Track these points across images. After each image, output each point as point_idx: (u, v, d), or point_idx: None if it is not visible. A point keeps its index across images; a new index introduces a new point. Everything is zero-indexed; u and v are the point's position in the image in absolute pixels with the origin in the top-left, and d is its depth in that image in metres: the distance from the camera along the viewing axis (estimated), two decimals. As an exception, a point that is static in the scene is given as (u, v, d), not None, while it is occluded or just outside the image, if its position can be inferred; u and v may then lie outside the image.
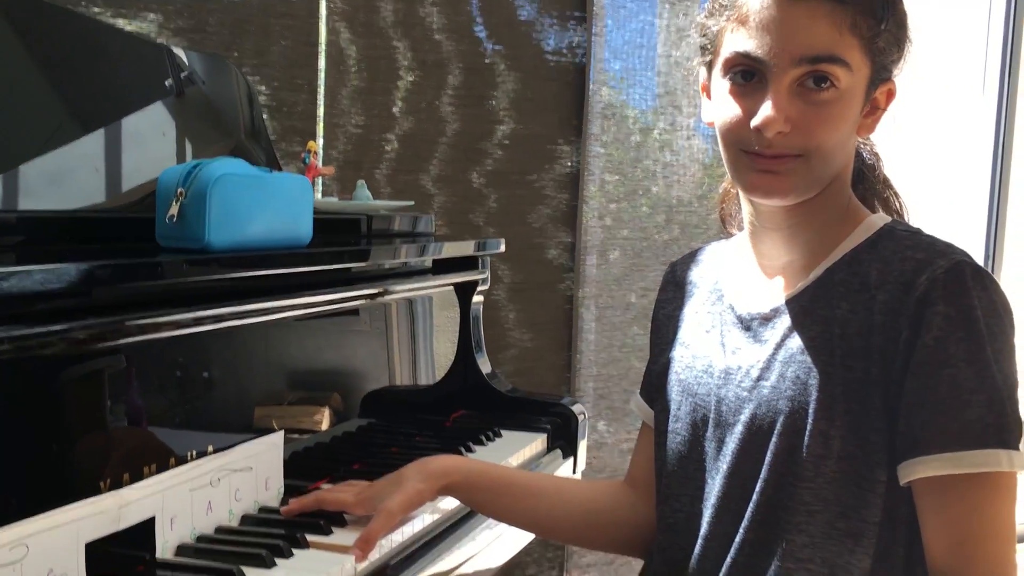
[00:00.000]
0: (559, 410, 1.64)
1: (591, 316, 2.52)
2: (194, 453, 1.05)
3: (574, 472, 1.64)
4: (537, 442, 1.56)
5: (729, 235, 1.22)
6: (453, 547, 1.20)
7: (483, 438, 1.51)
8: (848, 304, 1.00)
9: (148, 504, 0.97)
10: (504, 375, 2.08)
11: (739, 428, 1.03)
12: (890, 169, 1.16)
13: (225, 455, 1.08)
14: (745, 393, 1.03)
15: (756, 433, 1.01)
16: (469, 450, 1.46)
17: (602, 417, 2.57)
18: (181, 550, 1.01)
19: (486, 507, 1.20)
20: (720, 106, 1.02)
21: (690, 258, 1.24)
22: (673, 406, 1.13)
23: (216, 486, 1.07)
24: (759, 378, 1.02)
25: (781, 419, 0.99)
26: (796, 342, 1.01)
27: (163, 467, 1.00)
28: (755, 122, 0.97)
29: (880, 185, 1.14)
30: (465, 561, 1.24)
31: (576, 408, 1.64)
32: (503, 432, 1.57)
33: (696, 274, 1.20)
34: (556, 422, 1.63)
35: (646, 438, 1.22)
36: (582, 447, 1.66)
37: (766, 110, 0.96)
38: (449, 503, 1.24)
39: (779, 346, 1.02)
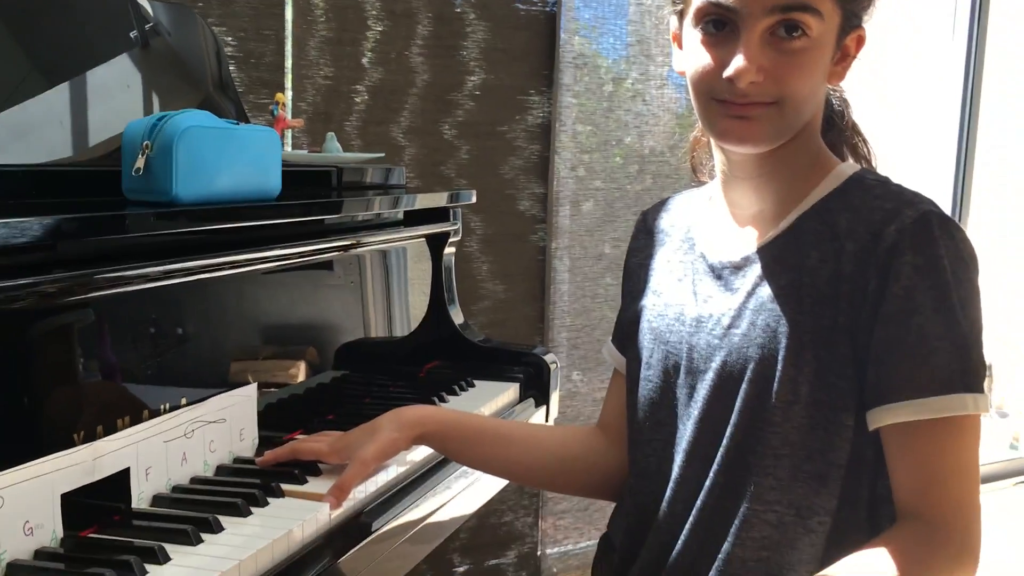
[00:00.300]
0: (531, 360, 1.66)
1: (564, 267, 2.53)
2: (167, 406, 1.06)
3: (547, 421, 1.67)
4: (510, 391, 1.58)
5: (700, 183, 1.23)
6: (427, 494, 1.22)
7: (456, 388, 1.53)
8: (818, 253, 1.01)
9: (122, 456, 0.98)
10: (478, 326, 2.09)
11: (710, 375, 1.05)
12: (859, 115, 1.17)
13: (198, 407, 1.09)
14: (716, 341, 1.05)
15: (726, 380, 1.03)
16: (442, 400, 1.47)
17: (576, 367, 2.59)
18: (157, 500, 1.02)
19: (460, 455, 1.22)
20: (691, 55, 1.02)
21: (661, 206, 1.24)
22: (645, 354, 1.14)
23: (190, 437, 1.08)
24: (730, 326, 1.04)
25: (751, 366, 1.01)
26: (766, 290, 1.03)
27: (137, 420, 1.01)
28: (727, 73, 0.97)
29: (849, 132, 1.15)
30: (439, 508, 1.26)
31: (548, 357, 1.66)
32: (476, 382, 1.59)
33: (667, 222, 1.21)
34: (529, 371, 1.64)
35: (617, 385, 1.23)
36: (554, 396, 1.68)
37: (738, 60, 0.96)
38: (421, 452, 1.26)
39: (750, 294, 1.04)
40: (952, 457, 0.97)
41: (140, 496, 1.00)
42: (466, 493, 1.34)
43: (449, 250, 1.71)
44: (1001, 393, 4.18)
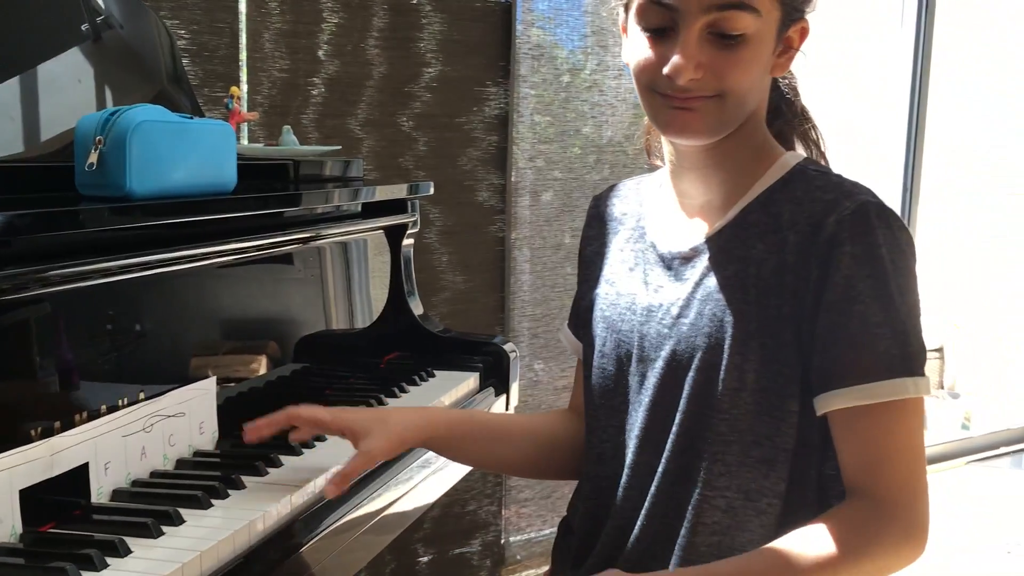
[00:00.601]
0: (491, 349, 1.67)
1: (524, 257, 2.55)
2: (125, 401, 1.06)
3: (507, 409, 1.68)
4: (470, 381, 1.60)
5: (654, 167, 1.24)
6: (388, 484, 1.23)
7: (416, 378, 1.54)
8: (763, 244, 1.03)
9: (81, 451, 0.98)
10: (439, 317, 2.10)
11: (660, 363, 1.07)
12: (809, 105, 1.19)
13: (157, 402, 1.09)
14: (665, 330, 1.07)
15: (676, 368, 1.05)
16: (403, 390, 1.48)
17: (537, 356, 2.61)
18: (117, 494, 1.02)
19: (459, 454, 1.23)
20: (634, 49, 1.04)
21: (612, 192, 1.26)
22: (598, 342, 1.16)
23: (149, 432, 1.08)
24: (679, 315, 1.06)
25: (699, 355, 1.03)
26: (713, 280, 1.05)
27: (95, 416, 1.01)
28: (666, 70, 0.99)
29: (798, 118, 1.17)
30: (400, 497, 1.27)
31: (508, 346, 1.68)
32: (436, 372, 1.60)
33: (619, 209, 1.22)
34: (488, 361, 1.66)
35: (581, 370, 1.25)
36: (515, 386, 1.69)
37: (676, 58, 0.98)
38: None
39: (698, 284, 1.06)
40: (896, 438, 1.00)
41: (99, 491, 1.00)
42: (428, 482, 1.35)
43: (408, 242, 1.72)
44: (953, 374, 4.28)
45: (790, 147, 1.15)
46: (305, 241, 1.45)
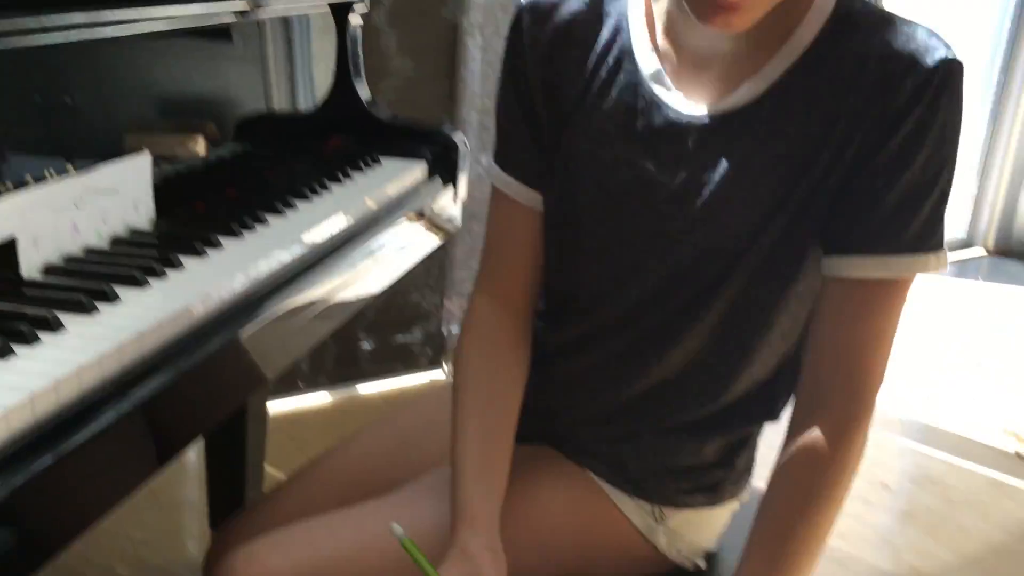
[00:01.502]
0: (440, 138, 1.62)
1: (476, 44, 2.45)
2: (52, 172, 1.00)
3: (455, 202, 1.65)
4: (417, 170, 1.55)
5: None
6: (331, 273, 1.20)
7: (362, 164, 1.50)
8: (818, 113, 0.91)
9: (7, 224, 0.93)
10: (386, 104, 2.02)
11: (686, 247, 0.98)
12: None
13: (87, 176, 1.04)
14: (696, 211, 0.97)
15: (704, 252, 0.98)
16: (347, 176, 1.44)
17: (485, 149, 2.56)
18: (49, 270, 0.98)
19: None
20: None
21: (560, 6, 1.03)
22: (596, 209, 1.02)
23: (81, 208, 1.03)
24: (710, 198, 0.96)
25: (729, 239, 0.96)
26: (754, 158, 0.94)
27: (20, 187, 0.96)
28: None
29: None
30: (343, 287, 1.25)
31: (457, 136, 1.63)
32: (382, 159, 1.55)
33: (581, 35, 1.02)
34: (437, 150, 1.61)
35: (530, 221, 1.11)
36: (463, 177, 1.66)
37: None
38: (324, 233, 1.24)
39: (735, 161, 0.94)
40: (888, 318, 0.94)
41: (30, 265, 0.96)
42: (371, 273, 1.34)
43: (356, 21, 1.62)
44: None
45: None
46: (244, 14, 1.35)
